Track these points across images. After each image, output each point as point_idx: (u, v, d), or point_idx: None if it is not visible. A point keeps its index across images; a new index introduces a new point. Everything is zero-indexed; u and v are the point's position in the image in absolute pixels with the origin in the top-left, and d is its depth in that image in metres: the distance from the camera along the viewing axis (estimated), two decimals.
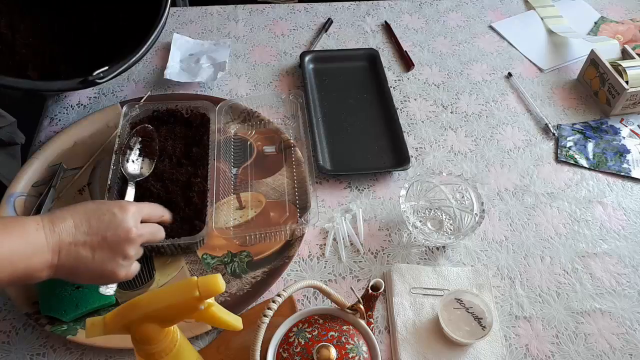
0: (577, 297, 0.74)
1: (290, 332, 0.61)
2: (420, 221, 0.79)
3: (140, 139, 0.80)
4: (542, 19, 1.16)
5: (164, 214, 0.70)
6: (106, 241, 0.60)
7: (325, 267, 0.75)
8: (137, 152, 0.79)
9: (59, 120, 0.92)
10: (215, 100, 0.89)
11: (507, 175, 0.87)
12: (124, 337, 0.50)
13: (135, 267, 0.65)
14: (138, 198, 0.76)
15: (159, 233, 0.68)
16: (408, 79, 1.03)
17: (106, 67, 0.82)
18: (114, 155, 0.79)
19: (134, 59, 0.85)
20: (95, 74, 0.81)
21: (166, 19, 0.90)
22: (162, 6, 0.90)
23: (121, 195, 0.76)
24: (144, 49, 0.86)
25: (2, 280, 0.54)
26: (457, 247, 0.78)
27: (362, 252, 0.77)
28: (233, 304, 0.70)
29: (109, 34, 0.97)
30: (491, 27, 1.14)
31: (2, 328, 0.68)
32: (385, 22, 1.13)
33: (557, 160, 0.90)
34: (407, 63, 1.05)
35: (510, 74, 1.04)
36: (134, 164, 0.78)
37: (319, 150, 0.87)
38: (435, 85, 1.02)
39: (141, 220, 0.64)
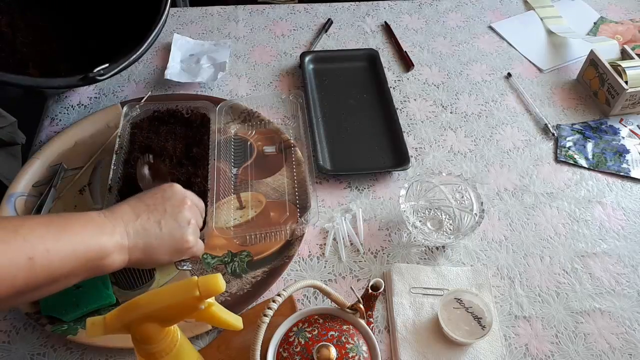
0: (577, 296, 0.74)
1: (290, 332, 0.61)
2: (420, 221, 0.79)
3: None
4: (541, 19, 1.16)
5: (200, 204, 0.71)
6: (166, 212, 0.62)
7: (325, 267, 0.75)
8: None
9: (60, 120, 0.93)
10: (216, 101, 0.89)
11: (507, 175, 0.88)
12: (124, 337, 0.50)
13: (202, 245, 0.67)
14: None
15: (201, 203, 0.70)
16: (408, 79, 1.03)
17: (106, 65, 0.82)
18: (114, 155, 0.79)
19: (134, 56, 0.85)
20: (95, 70, 0.81)
21: (166, 17, 0.91)
22: (163, 4, 0.90)
23: (122, 195, 0.76)
24: (144, 46, 0.86)
25: (77, 270, 0.54)
26: (456, 247, 0.78)
27: (362, 252, 0.77)
28: (233, 303, 0.70)
29: (109, 33, 0.97)
30: (491, 28, 1.14)
31: (2, 328, 0.69)
32: (385, 22, 1.13)
33: (557, 160, 0.90)
34: (407, 63, 1.05)
35: (509, 74, 1.04)
36: None
37: (319, 150, 0.87)
38: (435, 85, 1.02)
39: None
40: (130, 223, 0.59)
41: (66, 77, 0.81)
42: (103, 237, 0.56)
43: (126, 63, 0.84)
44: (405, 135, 0.90)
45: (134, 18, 0.93)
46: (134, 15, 0.93)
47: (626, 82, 0.92)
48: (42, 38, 0.96)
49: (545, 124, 0.95)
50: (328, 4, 1.17)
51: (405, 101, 0.98)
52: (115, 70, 0.83)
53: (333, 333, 0.60)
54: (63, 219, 0.56)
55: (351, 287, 0.68)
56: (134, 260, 0.59)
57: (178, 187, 0.66)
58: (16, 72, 0.78)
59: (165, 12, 0.90)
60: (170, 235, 0.61)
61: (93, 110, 0.94)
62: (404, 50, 1.07)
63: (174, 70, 0.99)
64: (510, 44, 1.11)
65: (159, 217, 0.61)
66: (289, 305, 0.70)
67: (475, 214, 0.76)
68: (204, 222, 0.72)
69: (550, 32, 1.13)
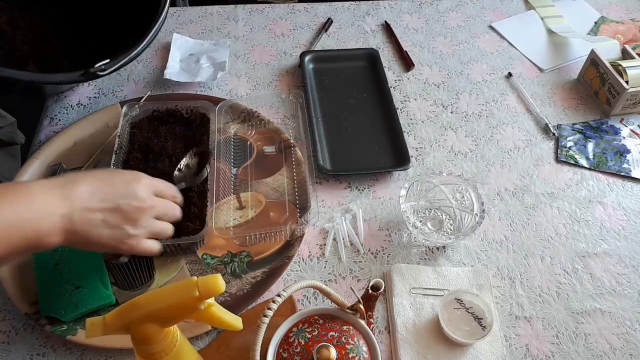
0: (577, 297, 0.74)
1: (290, 332, 0.61)
2: (420, 221, 0.79)
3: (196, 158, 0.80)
4: (542, 18, 1.16)
5: (177, 195, 0.70)
6: (119, 208, 0.60)
7: (325, 267, 0.75)
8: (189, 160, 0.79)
9: (59, 120, 0.92)
10: (215, 100, 0.89)
11: (507, 175, 0.87)
12: (124, 337, 0.50)
13: (151, 243, 0.65)
14: None
15: (174, 210, 0.68)
16: (408, 79, 1.02)
17: (107, 60, 0.82)
18: (113, 155, 0.79)
19: (135, 52, 0.84)
20: (97, 66, 0.80)
21: (167, 13, 0.90)
22: (162, 1, 0.90)
23: None
24: (145, 42, 0.86)
25: (12, 247, 0.53)
26: (457, 247, 0.78)
27: (362, 252, 0.77)
28: (233, 304, 0.70)
29: (109, 31, 0.97)
30: (491, 27, 1.14)
31: (2, 328, 0.68)
32: (385, 22, 1.13)
33: (557, 160, 0.90)
34: (407, 63, 1.05)
35: (510, 74, 1.04)
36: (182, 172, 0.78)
37: (319, 150, 0.87)
38: (435, 85, 1.02)
39: (155, 194, 0.65)
40: (78, 209, 0.57)
41: (67, 73, 0.81)
42: (43, 222, 0.54)
43: (127, 59, 0.83)
44: (405, 135, 0.90)
45: (134, 16, 0.93)
46: (134, 13, 0.93)
47: (627, 82, 0.92)
48: (42, 36, 0.96)
49: (546, 124, 0.95)
50: (328, 3, 1.17)
51: (405, 101, 0.98)
52: (117, 66, 0.82)
53: (333, 333, 0.60)
54: (6, 190, 0.55)
55: (351, 288, 0.68)
56: (69, 243, 0.58)
57: (143, 184, 0.63)
58: (16, 69, 0.78)
59: (166, 7, 0.90)
60: (112, 232, 0.60)
61: (92, 110, 0.94)
62: (404, 49, 1.07)
63: (173, 70, 0.99)
64: (511, 44, 1.10)
65: (108, 211, 0.59)
66: (289, 305, 0.70)
67: (476, 214, 0.76)
68: (204, 223, 0.72)
69: (550, 32, 1.13)
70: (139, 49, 0.85)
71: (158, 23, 0.88)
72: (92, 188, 0.59)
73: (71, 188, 0.57)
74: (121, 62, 0.83)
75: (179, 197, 0.71)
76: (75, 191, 0.58)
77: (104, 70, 0.81)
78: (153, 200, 0.64)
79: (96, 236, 0.59)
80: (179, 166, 0.78)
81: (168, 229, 0.67)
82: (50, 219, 0.55)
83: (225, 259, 0.75)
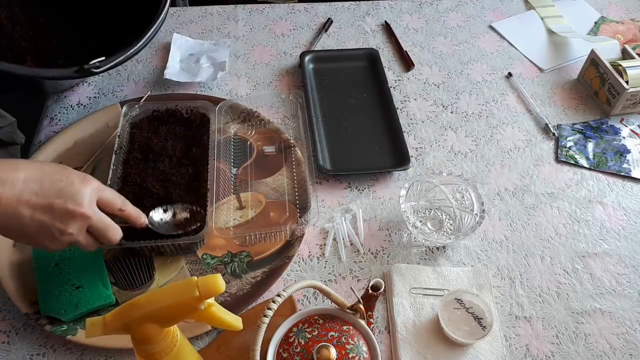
0: (577, 297, 0.74)
1: (290, 332, 0.61)
2: (420, 221, 0.79)
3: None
4: (542, 18, 1.16)
5: (126, 208, 0.64)
6: (51, 208, 0.55)
7: (325, 267, 0.75)
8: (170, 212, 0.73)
9: (59, 120, 0.92)
10: (215, 100, 0.89)
11: (507, 175, 0.87)
12: (124, 337, 0.50)
13: (86, 241, 0.60)
14: (138, 198, 0.76)
15: (112, 231, 0.61)
16: (408, 79, 1.02)
17: (103, 58, 0.81)
18: (113, 155, 0.79)
19: (131, 51, 0.84)
20: (91, 63, 0.79)
21: (166, 13, 0.90)
22: (163, 1, 0.90)
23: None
24: (142, 41, 0.85)
25: None
26: (457, 247, 0.78)
27: (362, 252, 0.77)
28: (233, 304, 0.70)
29: (108, 29, 0.97)
30: (491, 27, 1.14)
31: (2, 328, 0.68)
32: (385, 22, 1.13)
33: (557, 160, 0.90)
34: (407, 63, 1.05)
35: (510, 74, 1.04)
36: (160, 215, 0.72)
37: (319, 150, 0.87)
38: (435, 85, 1.02)
39: (98, 205, 0.60)
40: (7, 197, 0.53)
41: (61, 68, 0.80)
42: None
43: (123, 57, 0.83)
44: (405, 135, 0.90)
45: (134, 16, 0.93)
46: (135, 13, 0.93)
47: (627, 82, 0.92)
48: (42, 34, 0.96)
49: (546, 124, 0.95)
50: (328, 3, 1.17)
51: (405, 101, 0.98)
52: (112, 64, 0.82)
53: (333, 333, 0.60)
54: None
55: (351, 288, 0.68)
56: None
57: (88, 189, 0.58)
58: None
59: (165, 8, 0.90)
60: (36, 230, 0.56)
61: (92, 110, 0.94)
62: (404, 49, 1.07)
63: (173, 70, 0.99)
64: (511, 44, 1.10)
65: (39, 208, 0.55)
66: (289, 305, 0.70)
67: (476, 214, 0.76)
68: (204, 223, 0.72)
69: (550, 32, 1.13)
70: (135, 48, 0.84)
71: (157, 23, 0.88)
72: (33, 176, 0.55)
73: (8, 172, 0.54)
74: (116, 61, 0.82)
75: (129, 209, 0.65)
76: (13, 175, 0.54)
77: (98, 67, 0.80)
78: (91, 209, 0.58)
79: (18, 229, 0.56)
80: (165, 207, 0.72)
81: (90, 247, 0.61)
82: None
83: (225, 259, 0.75)
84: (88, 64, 0.79)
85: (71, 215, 0.56)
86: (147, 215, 0.69)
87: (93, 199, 0.59)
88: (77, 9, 0.99)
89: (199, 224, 0.71)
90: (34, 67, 0.87)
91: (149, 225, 0.68)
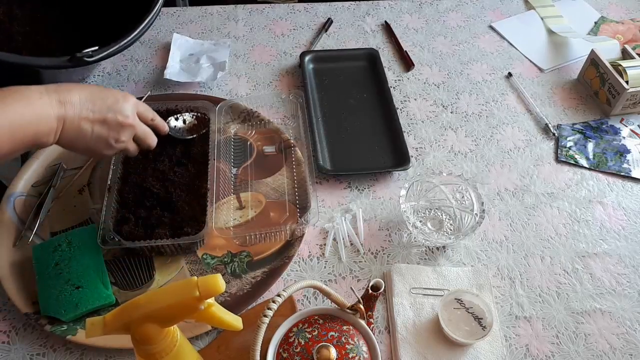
0: (577, 297, 0.74)
1: (290, 332, 0.61)
2: (420, 221, 0.79)
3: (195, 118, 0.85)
4: (542, 18, 1.16)
5: (155, 117, 0.76)
6: (106, 121, 0.66)
7: (325, 267, 0.75)
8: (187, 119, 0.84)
9: None
10: (215, 100, 0.89)
11: (507, 175, 0.87)
12: (124, 337, 0.50)
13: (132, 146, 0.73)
14: (138, 198, 0.76)
15: (151, 138, 0.74)
16: (408, 79, 1.02)
17: (96, 47, 0.81)
18: (114, 155, 0.79)
19: (125, 41, 0.83)
20: (84, 51, 0.80)
21: (161, 5, 0.90)
22: None
23: (121, 195, 0.76)
24: (136, 32, 0.84)
25: (16, 146, 0.59)
26: (457, 247, 0.78)
27: (362, 252, 0.77)
28: (233, 304, 0.70)
29: (106, 25, 0.97)
30: (491, 27, 1.14)
31: (2, 328, 0.68)
32: (385, 22, 1.13)
33: (557, 160, 0.90)
34: (407, 63, 1.05)
35: (510, 74, 1.04)
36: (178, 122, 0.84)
37: (319, 150, 0.87)
38: (435, 85, 1.02)
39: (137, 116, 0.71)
40: (70, 116, 0.63)
41: (54, 57, 0.80)
42: (41, 124, 0.60)
43: (117, 47, 0.83)
44: (405, 135, 0.90)
45: (132, 13, 0.92)
46: (132, 10, 0.93)
47: (627, 82, 0.92)
48: (39, 30, 0.95)
49: (546, 124, 0.95)
50: (328, 3, 1.17)
51: (405, 101, 0.98)
52: (105, 53, 0.82)
53: (333, 333, 0.60)
54: (7, 93, 0.59)
55: (351, 288, 0.68)
56: (61, 143, 0.65)
57: (130, 103, 0.69)
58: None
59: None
60: (96, 141, 0.67)
61: None
62: (404, 49, 1.07)
63: (173, 70, 0.99)
64: (511, 44, 1.10)
65: (97, 122, 0.66)
66: (289, 305, 0.70)
67: (476, 214, 0.76)
68: (204, 223, 0.72)
69: (550, 32, 1.13)
70: (129, 38, 0.84)
71: (152, 13, 0.87)
72: (85, 97, 0.65)
73: (66, 94, 0.63)
74: (110, 50, 0.82)
75: (158, 119, 0.76)
76: (70, 97, 0.63)
77: (92, 56, 0.80)
78: (135, 121, 0.70)
79: (83, 142, 0.66)
80: (176, 116, 0.84)
81: (135, 152, 0.74)
82: (47, 121, 0.61)
83: (225, 259, 0.75)
84: (81, 52, 0.80)
85: (122, 126, 0.68)
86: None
87: (134, 111, 0.70)
88: (75, 6, 0.99)
89: (204, 130, 0.83)
90: (26, 56, 0.86)
91: (170, 133, 0.80)
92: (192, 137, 0.83)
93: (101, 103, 0.66)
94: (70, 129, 0.63)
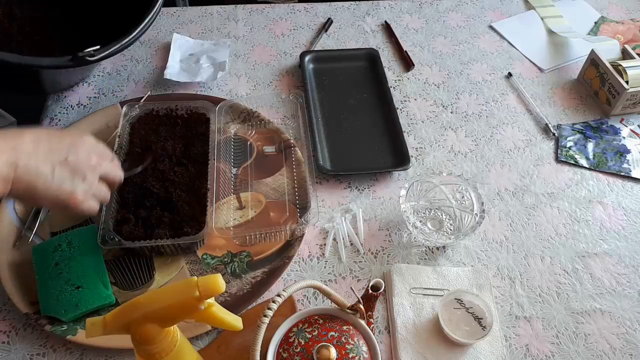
0: (577, 297, 0.74)
1: (290, 332, 0.61)
2: (420, 221, 0.79)
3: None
4: (542, 18, 1.16)
5: (114, 158, 0.68)
6: (67, 162, 0.59)
7: (325, 267, 0.75)
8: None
9: (59, 120, 0.92)
10: (215, 100, 0.89)
11: (507, 175, 0.87)
12: (124, 337, 0.50)
13: (94, 204, 0.63)
14: (138, 198, 0.76)
15: (118, 171, 0.68)
16: (408, 79, 1.02)
17: (98, 47, 0.80)
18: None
19: (126, 40, 0.83)
20: (86, 51, 0.79)
21: (161, 4, 0.90)
22: None
23: (121, 195, 0.76)
24: (137, 31, 0.84)
25: None
26: (457, 247, 0.78)
27: (362, 252, 0.77)
28: (233, 304, 0.70)
29: (106, 23, 0.97)
30: (491, 27, 1.14)
31: (2, 328, 0.68)
32: (385, 22, 1.13)
33: (557, 160, 0.90)
34: (407, 63, 1.05)
35: (510, 74, 1.04)
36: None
37: (319, 150, 0.87)
38: (435, 85, 1.02)
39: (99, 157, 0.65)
40: (24, 156, 0.55)
41: (55, 57, 0.79)
42: None
43: (118, 46, 0.82)
44: (405, 135, 0.90)
45: (132, 11, 0.92)
46: (132, 8, 0.93)
47: (627, 82, 0.92)
48: (39, 30, 0.95)
49: (546, 124, 0.95)
50: (328, 3, 1.17)
51: (405, 101, 0.98)
52: (107, 52, 0.81)
53: (333, 333, 0.60)
54: None
55: (351, 288, 0.68)
56: (14, 195, 0.56)
57: (89, 140, 0.64)
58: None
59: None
60: (59, 185, 0.58)
61: (92, 110, 0.94)
62: (404, 49, 1.07)
63: (173, 70, 0.99)
64: (511, 44, 1.10)
65: (56, 163, 0.58)
66: (289, 305, 0.70)
67: (476, 214, 0.76)
68: (204, 223, 0.72)
69: (550, 32, 1.13)
70: (131, 36, 0.83)
71: (152, 13, 0.87)
72: (39, 139, 0.57)
73: (17, 137, 0.56)
74: (112, 49, 0.81)
75: (115, 162, 0.69)
76: (21, 140, 0.56)
77: (93, 55, 0.79)
78: (98, 158, 0.64)
79: (43, 189, 0.57)
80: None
81: (107, 195, 0.67)
82: None
83: (225, 259, 0.75)
84: (82, 51, 0.78)
85: (86, 165, 0.61)
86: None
87: (96, 150, 0.64)
88: (75, 5, 0.99)
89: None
90: (26, 57, 0.86)
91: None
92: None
93: (59, 144, 0.59)
94: (25, 176, 0.55)
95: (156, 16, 0.89)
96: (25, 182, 0.56)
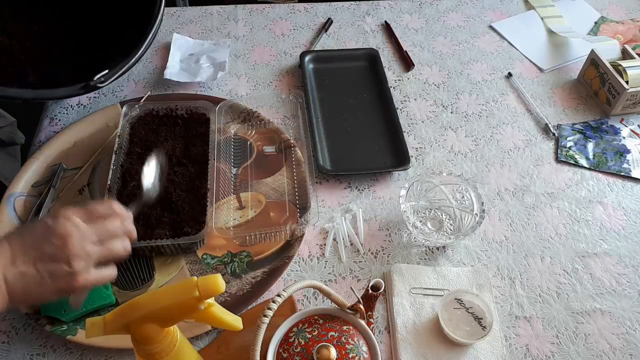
0: (577, 297, 0.74)
1: (290, 332, 0.61)
2: (420, 221, 0.79)
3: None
4: (542, 18, 1.16)
5: (120, 210, 0.60)
6: (44, 253, 0.54)
7: (325, 267, 0.75)
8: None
9: (59, 120, 0.92)
10: (215, 100, 0.89)
11: (507, 175, 0.87)
12: (123, 337, 0.50)
13: (105, 271, 0.58)
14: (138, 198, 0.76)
15: (115, 228, 0.59)
16: (408, 79, 1.02)
17: (106, 71, 0.82)
18: (113, 155, 0.79)
19: (132, 60, 0.85)
20: (96, 78, 0.82)
21: (162, 17, 0.90)
22: (157, 4, 0.90)
23: (120, 195, 0.76)
24: (141, 50, 0.86)
25: None
26: (457, 247, 0.78)
27: (362, 252, 0.77)
28: (233, 304, 0.70)
29: (105, 31, 0.97)
30: (491, 27, 1.14)
31: (2, 328, 0.68)
32: (385, 22, 1.13)
33: (557, 160, 0.90)
34: (407, 63, 1.05)
35: (510, 74, 1.04)
36: None
37: (319, 150, 0.87)
38: (435, 85, 1.02)
39: (86, 220, 0.57)
40: (8, 266, 0.52)
41: (68, 87, 0.82)
42: None
43: (125, 68, 0.85)
44: (405, 135, 0.90)
45: (129, 15, 0.93)
46: (129, 12, 0.93)
47: (627, 82, 0.92)
48: (38, 42, 0.95)
49: (546, 124, 0.95)
50: (328, 3, 1.17)
51: (405, 101, 0.98)
52: (116, 76, 0.84)
53: (333, 333, 0.60)
54: None
55: (351, 288, 0.68)
56: (17, 301, 0.54)
57: (62, 217, 0.56)
58: (16, 79, 0.79)
59: (161, 11, 0.90)
60: (51, 276, 0.54)
61: (92, 110, 0.94)
62: (404, 49, 1.07)
63: (173, 70, 0.99)
64: (511, 44, 1.10)
65: (37, 259, 0.54)
66: (289, 305, 0.70)
67: (476, 214, 0.76)
68: (204, 223, 0.72)
69: (550, 32, 1.13)
70: (135, 57, 0.86)
71: (153, 30, 0.88)
72: (13, 242, 0.54)
73: None
74: (120, 72, 0.84)
75: (124, 212, 0.61)
76: (0, 253, 0.53)
77: (103, 81, 0.82)
78: (76, 227, 0.55)
79: (38, 290, 0.54)
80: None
81: (106, 276, 0.59)
82: None
83: (225, 259, 0.75)
84: (93, 80, 0.82)
85: (63, 246, 0.54)
86: None
87: (73, 219, 0.56)
88: (70, 13, 0.98)
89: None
90: (38, 83, 0.88)
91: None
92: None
93: (31, 238, 0.54)
94: (17, 284, 0.52)
95: (157, 30, 0.90)
96: (20, 290, 0.53)
